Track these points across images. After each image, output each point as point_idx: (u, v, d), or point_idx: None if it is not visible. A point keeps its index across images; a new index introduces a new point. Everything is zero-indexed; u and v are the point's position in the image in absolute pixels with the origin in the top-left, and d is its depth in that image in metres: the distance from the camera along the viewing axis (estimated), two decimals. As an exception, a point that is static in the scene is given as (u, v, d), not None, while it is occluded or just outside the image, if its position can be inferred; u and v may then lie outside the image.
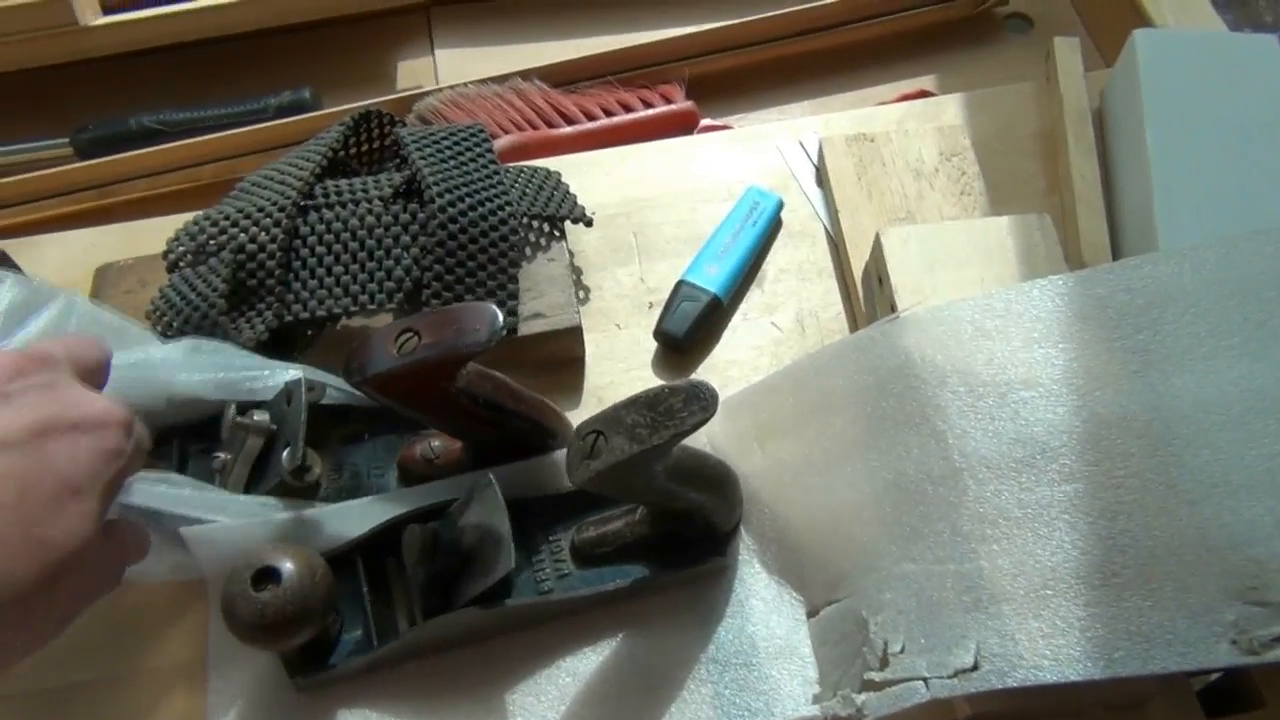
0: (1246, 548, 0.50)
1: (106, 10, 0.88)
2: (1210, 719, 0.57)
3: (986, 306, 0.58)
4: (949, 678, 0.51)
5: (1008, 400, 0.55)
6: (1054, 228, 0.66)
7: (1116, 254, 0.71)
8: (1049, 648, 0.50)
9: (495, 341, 0.54)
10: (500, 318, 0.55)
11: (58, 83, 0.92)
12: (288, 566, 0.54)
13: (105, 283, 0.72)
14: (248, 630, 0.54)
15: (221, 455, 0.61)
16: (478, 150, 0.69)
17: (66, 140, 0.88)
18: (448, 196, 0.65)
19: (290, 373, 0.63)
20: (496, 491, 0.57)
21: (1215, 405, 0.53)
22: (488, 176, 0.67)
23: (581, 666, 0.59)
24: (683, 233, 0.77)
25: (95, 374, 0.52)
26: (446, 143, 0.68)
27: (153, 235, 0.74)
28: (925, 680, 0.51)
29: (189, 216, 0.70)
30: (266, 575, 0.54)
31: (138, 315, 0.68)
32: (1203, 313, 0.55)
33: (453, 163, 0.67)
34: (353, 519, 0.61)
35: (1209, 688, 0.61)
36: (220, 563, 0.59)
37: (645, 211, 0.78)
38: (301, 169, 0.67)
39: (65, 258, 0.76)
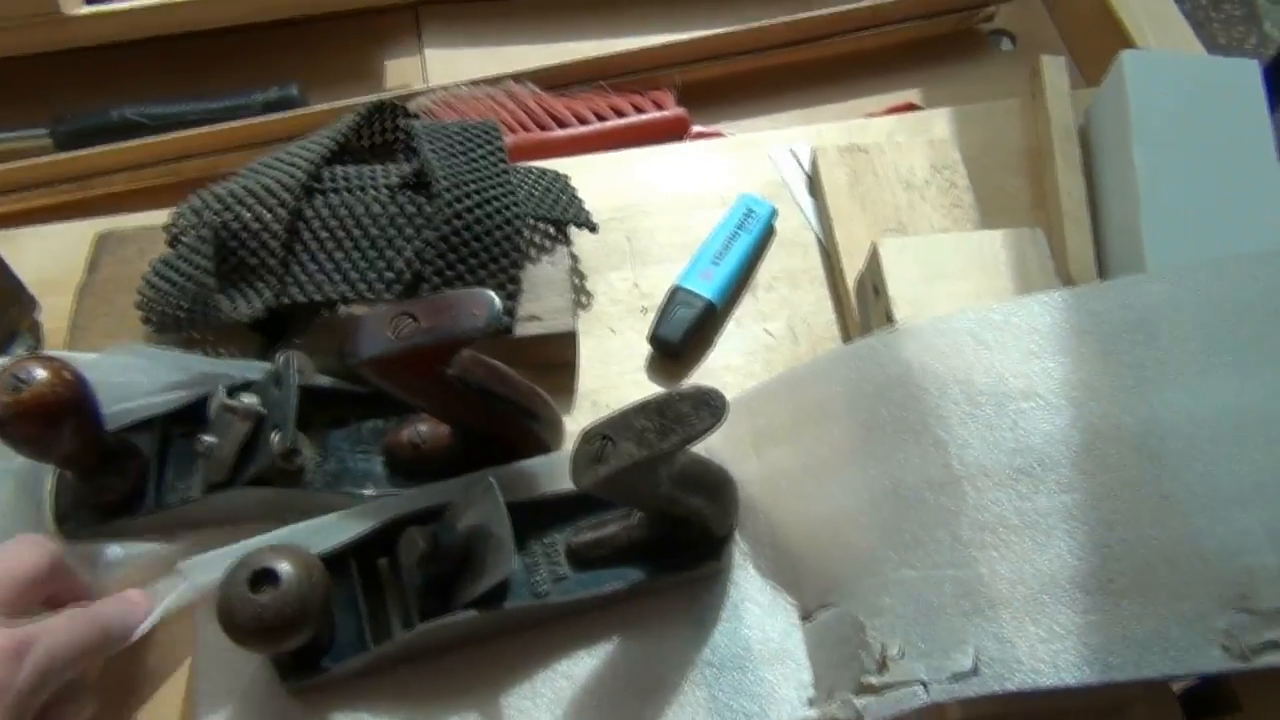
0: (1237, 557, 0.52)
1: (90, 0, 0.87)
2: (1190, 723, 0.59)
3: (986, 319, 0.59)
4: (948, 681, 0.52)
5: (1007, 411, 0.56)
6: (1046, 242, 0.67)
7: (1102, 270, 0.72)
8: (1047, 653, 0.51)
9: (493, 328, 0.54)
10: (498, 304, 0.55)
11: (37, 72, 0.90)
12: (285, 568, 0.54)
13: (104, 250, 0.72)
14: (246, 633, 0.53)
15: (207, 438, 0.61)
16: (489, 148, 0.69)
17: (45, 131, 0.86)
18: (455, 191, 0.64)
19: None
20: (497, 494, 0.57)
21: (1208, 420, 0.55)
22: (497, 175, 0.67)
23: (577, 670, 0.59)
24: (676, 238, 0.77)
25: (29, 590, 0.53)
26: (458, 138, 0.68)
27: (137, 230, 0.73)
28: (924, 684, 0.52)
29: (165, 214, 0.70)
30: (264, 577, 0.53)
31: (133, 286, 0.68)
32: (1196, 331, 0.57)
33: (463, 158, 0.67)
34: (347, 529, 0.61)
35: (1188, 692, 0.62)
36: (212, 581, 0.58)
37: (638, 216, 0.79)
38: (311, 152, 0.67)
39: (44, 251, 0.75)
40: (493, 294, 0.55)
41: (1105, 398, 0.56)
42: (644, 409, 0.52)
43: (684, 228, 0.78)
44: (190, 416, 0.64)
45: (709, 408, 0.52)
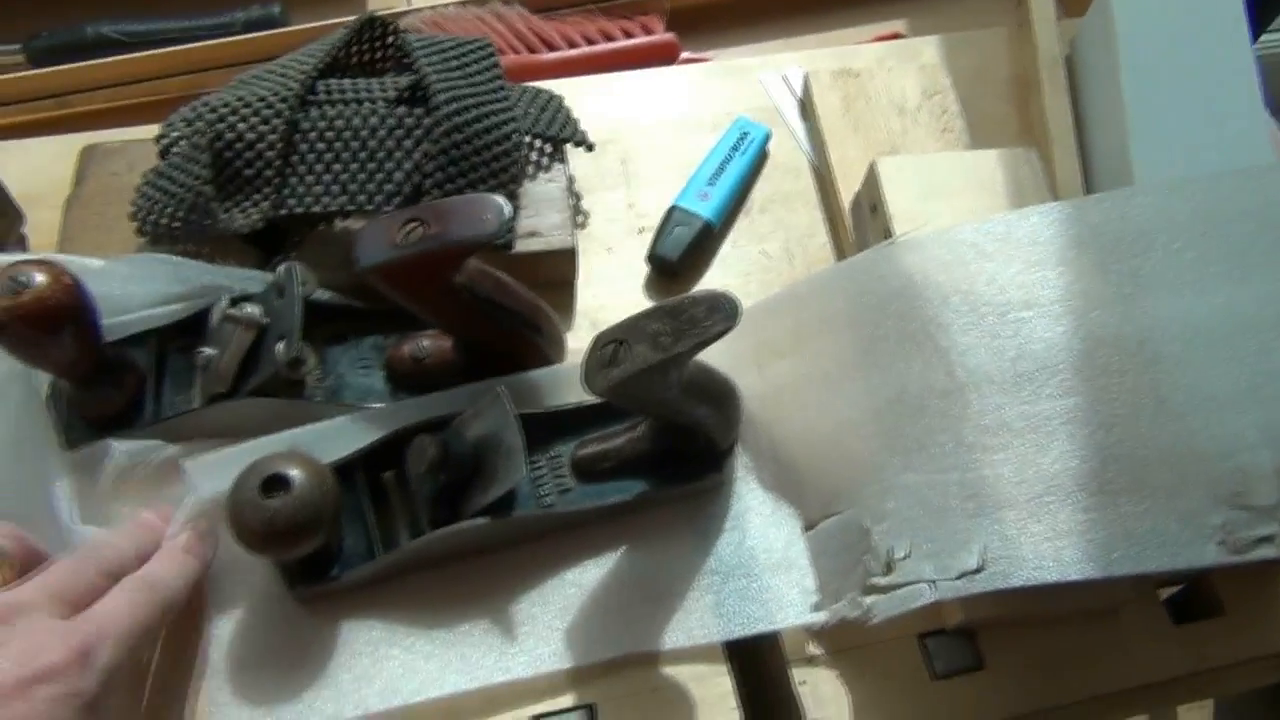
0: (1232, 457, 0.53)
1: (61, -90, 0.84)
2: (1176, 625, 0.61)
3: (987, 231, 0.60)
4: (954, 579, 0.53)
5: (1008, 319, 0.57)
6: (1039, 162, 0.68)
7: (1089, 192, 0.74)
8: (1050, 550, 0.52)
9: (504, 231, 0.54)
10: (508, 208, 0.54)
11: (7, -14, 0.87)
12: (296, 474, 0.53)
13: (91, 162, 0.70)
14: (258, 538, 0.53)
15: (206, 350, 0.60)
16: (486, 63, 0.68)
17: (18, 47, 0.83)
18: (454, 105, 0.64)
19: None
20: (506, 403, 0.57)
21: (1202, 327, 0.56)
22: (494, 90, 0.66)
23: (585, 578, 0.60)
24: (669, 160, 0.77)
25: (90, 590, 0.50)
26: (453, 52, 0.67)
27: (124, 145, 0.71)
28: (931, 582, 0.54)
29: (152, 128, 0.68)
30: (276, 482, 0.53)
31: (123, 198, 0.67)
32: (1190, 241, 0.58)
33: (459, 73, 0.66)
34: (351, 435, 0.60)
35: (1173, 598, 0.64)
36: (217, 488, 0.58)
37: (631, 138, 0.79)
38: (304, 64, 0.65)
39: (28, 166, 0.73)
40: (501, 199, 0.55)
41: (1104, 306, 0.57)
42: (656, 313, 0.53)
43: (677, 150, 0.78)
44: (186, 330, 0.63)
45: (722, 311, 0.52)
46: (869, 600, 0.55)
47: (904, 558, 0.55)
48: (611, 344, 0.53)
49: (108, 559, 0.52)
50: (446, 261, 0.56)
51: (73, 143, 0.74)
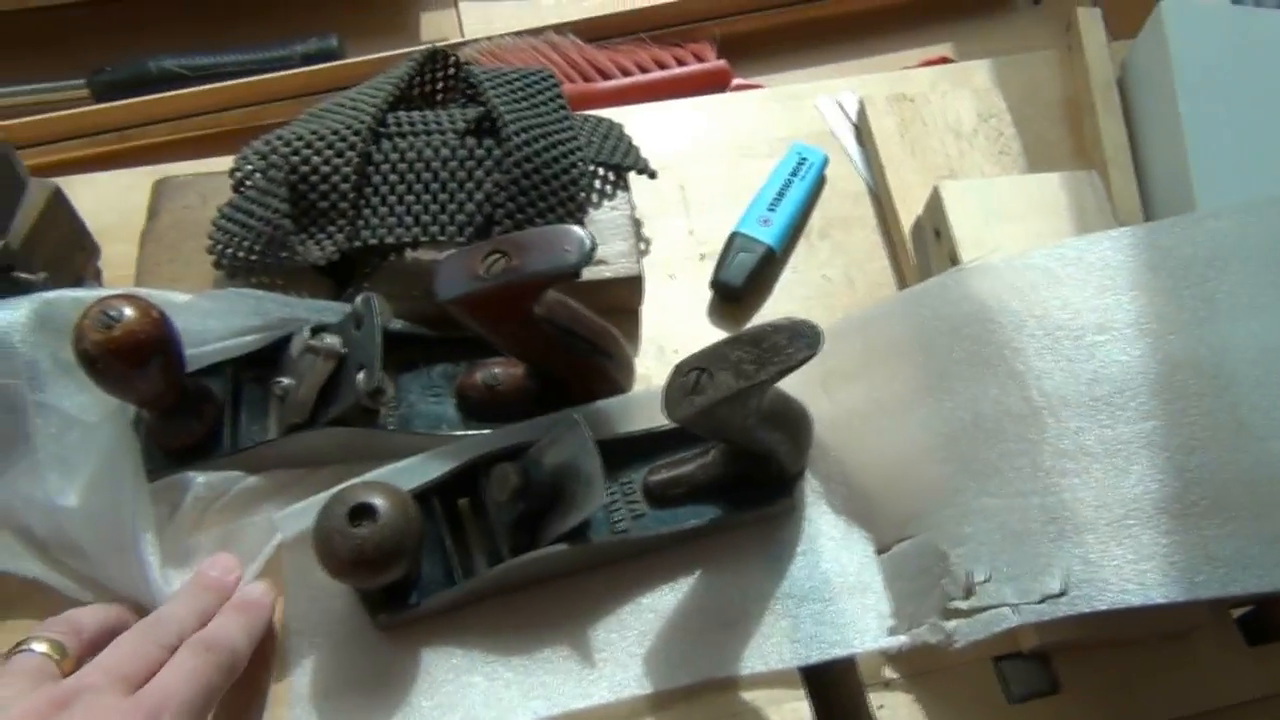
0: (1313, 479, 0.54)
1: (123, -52, 0.86)
2: (1250, 646, 0.61)
3: (1059, 255, 0.60)
4: (1037, 603, 0.53)
5: (1084, 343, 0.58)
6: (1102, 185, 0.69)
7: (1148, 215, 0.74)
8: (1134, 573, 0.52)
9: (585, 263, 0.55)
10: (588, 240, 0.55)
11: (71, 22, 0.88)
12: (382, 503, 0.54)
13: (164, 196, 0.71)
14: (346, 566, 0.54)
15: (285, 380, 0.61)
16: (550, 94, 0.69)
17: (83, 82, 0.85)
18: (524, 135, 0.65)
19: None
20: (584, 430, 0.58)
21: (1277, 349, 0.56)
22: (559, 120, 0.67)
23: (661, 604, 0.60)
24: (728, 187, 0.78)
25: (151, 665, 0.50)
26: (519, 84, 0.68)
27: (194, 177, 0.72)
28: (1014, 606, 0.54)
29: (220, 161, 0.69)
30: (362, 511, 0.54)
31: (197, 231, 0.68)
32: (1265, 264, 0.58)
33: (525, 104, 0.67)
34: (431, 468, 0.61)
35: (1244, 618, 0.64)
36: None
37: (689, 166, 0.79)
38: (374, 97, 0.66)
39: (98, 199, 0.74)
40: (582, 231, 0.55)
41: (1179, 330, 0.57)
42: (737, 342, 0.53)
43: (734, 177, 0.79)
44: (258, 361, 0.64)
45: (805, 339, 0.53)
46: (951, 625, 0.55)
47: (984, 581, 0.55)
48: (694, 371, 0.53)
49: (168, 631, 0.52)
50: (527, 293, 0.56)
51: (140, 176, 0.75)
